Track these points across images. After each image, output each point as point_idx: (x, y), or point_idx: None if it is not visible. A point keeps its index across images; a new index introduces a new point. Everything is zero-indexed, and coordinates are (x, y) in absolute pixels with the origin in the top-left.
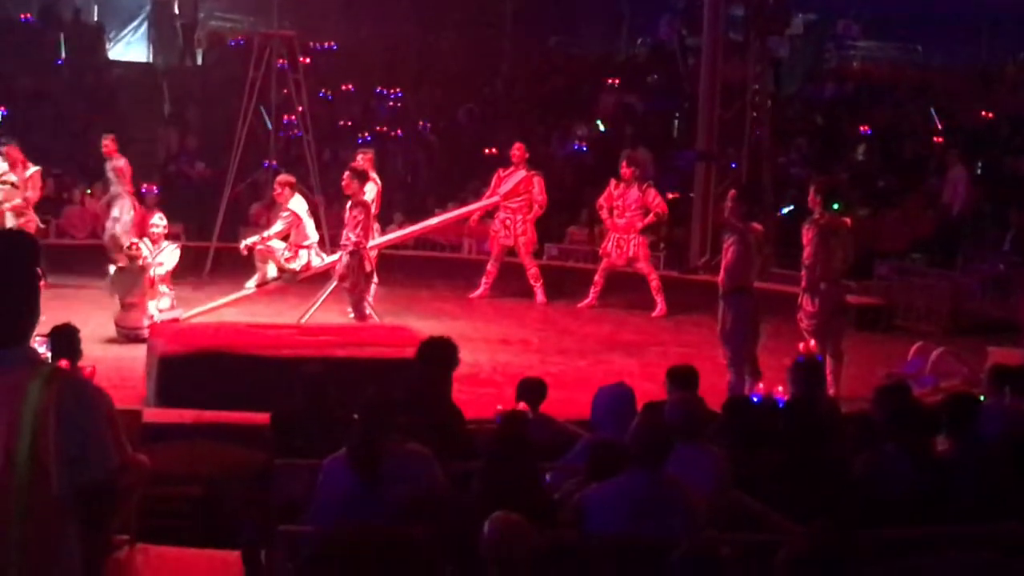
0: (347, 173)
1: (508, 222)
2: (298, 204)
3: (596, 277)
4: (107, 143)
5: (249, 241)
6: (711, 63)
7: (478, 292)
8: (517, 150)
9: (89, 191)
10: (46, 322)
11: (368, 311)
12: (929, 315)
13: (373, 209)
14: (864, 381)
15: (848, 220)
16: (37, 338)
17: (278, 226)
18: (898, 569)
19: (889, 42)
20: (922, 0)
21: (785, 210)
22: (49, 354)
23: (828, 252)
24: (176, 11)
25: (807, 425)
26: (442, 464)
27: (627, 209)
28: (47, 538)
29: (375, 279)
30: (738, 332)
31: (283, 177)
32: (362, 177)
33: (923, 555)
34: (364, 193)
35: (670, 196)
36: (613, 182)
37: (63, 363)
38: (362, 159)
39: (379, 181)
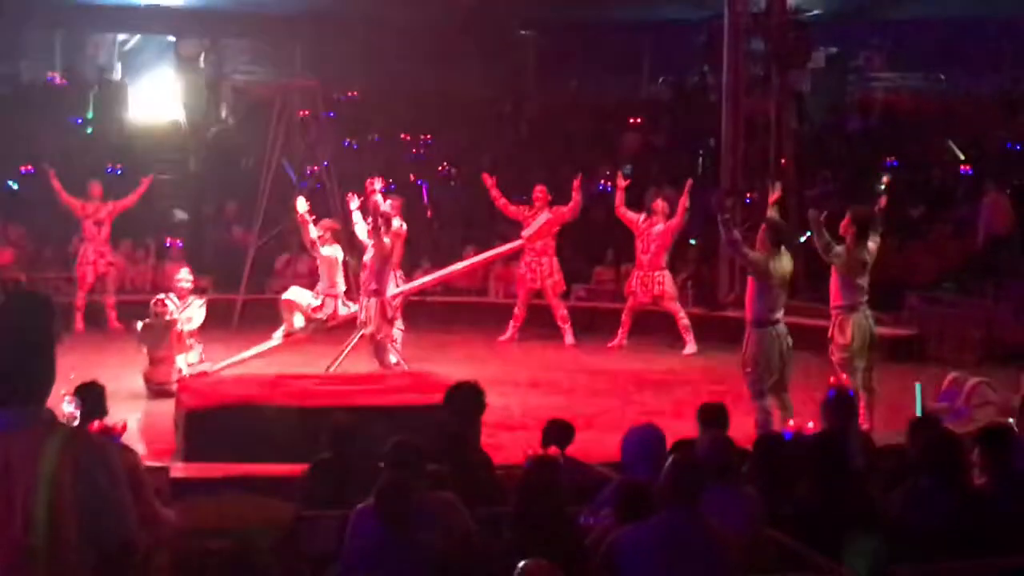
0: (374, 219)
1: (533, 265)
2: (333, 251)
3: (623, 316)
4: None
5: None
6: (733, 99)
7: (506, 336)
8: (539, 192)
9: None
10: (76, 379)
11: (394, 358)
12: (962, 344)
13: (396, 255)
14: (899, 414)
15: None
16: (66, 397)
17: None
18: None
19: (912, 72)
20: (944, 28)
21: (803, 238)
22: (77, 412)
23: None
24: (201, 66)
25: (839, 460)
26: (471, 511)
27: (652, 242)
28: None
29: (400, 325)
30: (756, 363)
31: (327, 222)
32: (387, 223)
33: None
34: (386, 240)
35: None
36: (644, 214)
37: (94, 422)
38: (391, 205)
39: (405, 227)
